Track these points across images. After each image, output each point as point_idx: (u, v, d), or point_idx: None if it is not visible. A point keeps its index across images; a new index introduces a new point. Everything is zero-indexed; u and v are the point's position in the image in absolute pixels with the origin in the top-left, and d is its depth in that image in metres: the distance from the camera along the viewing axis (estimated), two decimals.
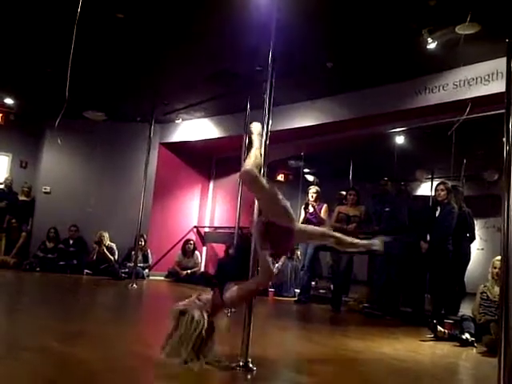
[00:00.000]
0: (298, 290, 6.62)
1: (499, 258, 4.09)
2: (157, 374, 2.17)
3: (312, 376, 2.32)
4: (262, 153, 2.66)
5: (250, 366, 2.29)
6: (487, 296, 4.14)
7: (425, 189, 11.04)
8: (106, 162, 8.63)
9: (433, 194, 5.68)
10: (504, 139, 1.26)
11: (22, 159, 9.04)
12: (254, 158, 2.60)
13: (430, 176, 10.42)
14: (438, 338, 3.97)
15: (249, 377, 2.22)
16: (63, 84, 5.17)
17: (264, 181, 2.46)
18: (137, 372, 2.17)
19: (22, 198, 8.54)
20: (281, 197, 2.47)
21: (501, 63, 4.77)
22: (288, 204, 2.50)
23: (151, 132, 6.84)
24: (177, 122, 8.35)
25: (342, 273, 5.87)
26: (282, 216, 2.43)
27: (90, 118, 8.14)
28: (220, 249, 9.06)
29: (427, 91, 5.49)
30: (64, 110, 5.13)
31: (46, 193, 8.56)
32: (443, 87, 5.36)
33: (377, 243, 2.77)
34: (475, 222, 5.93)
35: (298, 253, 7.15)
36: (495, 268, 4.13)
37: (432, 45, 4.71)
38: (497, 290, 4.06)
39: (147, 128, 6.92)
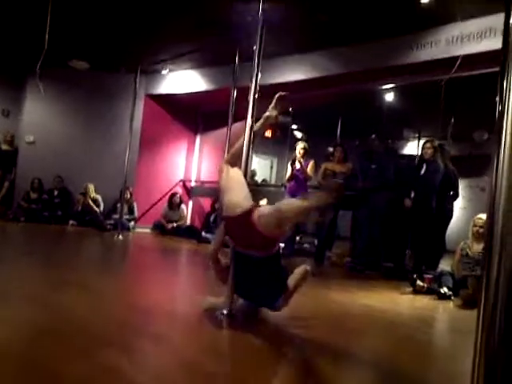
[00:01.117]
0: (282, 245, 6.72)
1: (480, 216, 4.21)
2: (144, 320, 2.21)
3: (294, 325, 2.39)
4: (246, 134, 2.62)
5: (233, 313, 2.37)
6: (467, 252, 4.26)
7: (412, 147, 11.10)
8: (91, 113, 8.46)
9: (419, 152, 5.71)
10: (497, 98, 1.24)
11: (3, 108, 8.77)
12: (233, 149, 2.61)
13: (417, 135, 10.45)
14: (417, 291, 4.10)
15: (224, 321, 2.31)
16: (46, 31, 4.98)
17: (225, 173, 2.44)
18: (124, 319, 2.20)
19: (4, 147, 8.37)
20: (232, 185, 2.39)
21: (494, 20, 4.70)
22: (241, 195, 2.35)
23: (137, 83, 6.67)
24: (163, 73, 8.14)
25: (326, 228, 5.95)
26: (231, 207, 2.32)
27: (74, 67, 7.88)
28: (206, 203, 9.09)
29: (419, 47, 5.41)
30: (43, 57, 4.97)
31: (29, 143, 8.39)
32: (435, 43, 5.28)
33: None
34: (459, 181, 6.02)
35: None
36: (475, 226, 4.24)
37: None
38: (476, 247, 4.18)
39: (132, 79, 6.73)
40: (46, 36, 4.88)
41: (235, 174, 2.45)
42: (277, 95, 2.75)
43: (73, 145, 8.36)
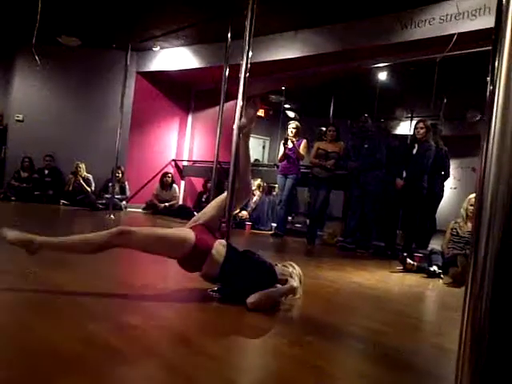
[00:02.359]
0: (274, 224, 6.76)
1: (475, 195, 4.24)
2: (136, 297, 2.23)
3: (284, 303, 2.42)
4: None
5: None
6: (457, 232, 4.30)
7: (404, 127, 11.11)
8: (82, 91, 8.35)
9: (412, 132, 5.72)
10: (488, 78, 1.24)
11: None
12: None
13: (409, 115, 10.45)
14: (407, 269, 4.16)
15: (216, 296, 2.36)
16: (35, 6, 4.86)
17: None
18: (115, 296, 2.22)
19: None
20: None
21: None
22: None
23: (127, 60, 6.57)
24: (154, 49, 8.02)
25: (317, 208, 5.98)
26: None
27: (64, 43, 7.73)
28: (198, 182, 9.08)
29: (413, 25, 5.36)
30: (36, 32, 4.87)
31: (18, 121, 8.28)
32: (429, 21, 5.23)
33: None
34: (451, 161, 6.05)
35: (276, 188, 7.23)
36: (471, 205, 4.20)
37: None
38: (467, 226, 4.22)
39: (123, 55, 6.63)
40: (39, 8, 4.77)
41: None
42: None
43: (63, 123, 8.27)
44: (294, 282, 2.38)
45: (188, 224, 2.48)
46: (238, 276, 2.27)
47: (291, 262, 2.57)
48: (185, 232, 2.29)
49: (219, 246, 2.32)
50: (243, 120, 2.62)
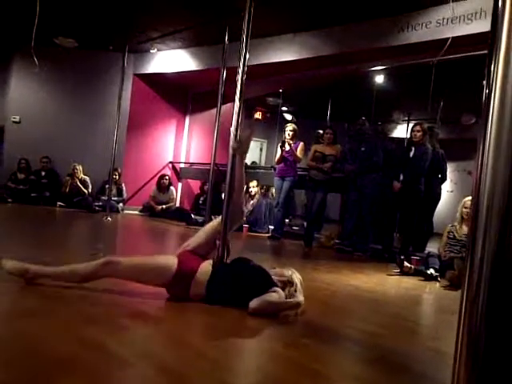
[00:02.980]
0: (271, 227, 6.75)
1: (470, 198, 4.24)
2: (132, 300, 2.22)
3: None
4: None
5: None
6: (454, 235, 4.32)
7: (401, 130, 11.14)
8: (78, 92, 8.34)
9: (408, 135, 5.73)
10: (484, 82, 1.24)
11: None
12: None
13: (406, 118, 10.48)
14: (405, 272, 4.16)
15: None
16: (32, 8, 4.85)
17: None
18: (111, 297, 2.21)
19: None
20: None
21: (485, 1, 4.68)
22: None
23: (125, 62, 6.56)
24: (152, 51, 8.02)
25: (315, 210, 5.98)
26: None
27: (61, 44, 7.72)
28: (195, 185, 9.07)
29: (410, 28, 5.38)
30: (30, 34, 4.86)
31: (15, 122, 8.26)
32: (426, 25, 5.25)
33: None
34: (448, 164, 6.07)
35: (273, 190, 7.23)
36: (466, 208, 4.25)
37: None
38: (464, 229, 4.23)
39: (120, 57, 6.63)
40: (37, 9, 4.76)
41: None
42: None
43: (60, 125, 8.25)
44: (301, 297, 2.32)
45: (179, 249, 2.48)
46: (225, 287, 2.25)
47: (291, 268, 2.51)
48: (166, 259, 2.32)
49: (206, 266, 2.31)
50: (238, 140, 2.54)
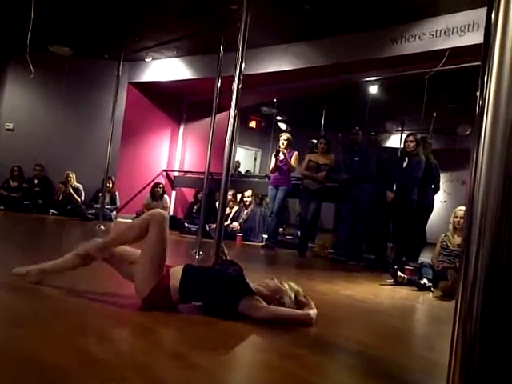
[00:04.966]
0: (265, 236, 6.74)
1: (461, 208, 4.27)
2: (125, 310, 2.20)
3: None
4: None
5: None
6: (447, 245, 4.33)
7: (394, 140, 11.20)
8: (73, 100, 8.32)
9: (402, 146, 5.76)
10: (478, 93, 1.26)
11: None
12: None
13: (400, 128, 10.55)
14: (398, 282, 4.16)
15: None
16: (27, 16, 4.86)
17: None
18: (104, 307, 2.19)
19: None
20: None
21: (478, 14, 4.75)
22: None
23: (120, 70, 6.57)
24: (147, 60, 8.03)
25: (309, 219, 5.99)
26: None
27: (56, 52, 7.72)
28: (189, 193, 9.06)
29: (403, 40, 5.44)
30: (25, 41, 4.86)
31: (8, 129, 8.23)
32: (419, 37, 5.31)
33: None
34: (441, 175, 6.10)
35: (267, 199, 7.23)
36: (456, 217, 4.30)
37: None
38: (456, 239, 4.25)
39: (115, 65, 6.64)
40: (31, 17, 4.77)
41: None
42: None
43: (54, 133, 8.23)
44: (312, 311, 2.28)
45: None
46: (198, 289, 2.23)
47: (290, 282, 2.43)
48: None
49: (175, 271, 2.28)
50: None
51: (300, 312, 2.27)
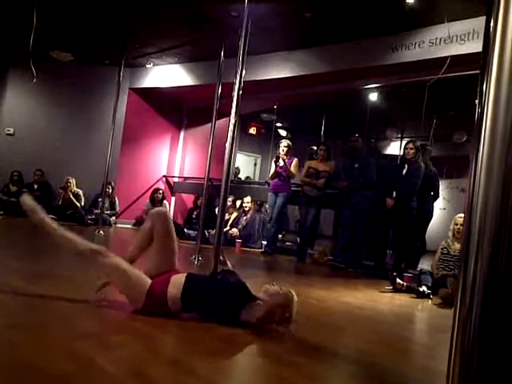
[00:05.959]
0: (265, 242, 6.74)
1: (461, 215, 4.28)
2: (123, 314, 2.20)
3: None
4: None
5: None
6: (447, 251, 4.33)
7: (394, 147, 11.21)
8: (73, 106, 8.35)
9: (401, 153, 5.77)
10: (476, 101, 1.26)
11: None
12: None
13: (399, 135, 10.56)
14: (397, 289, 4.15)
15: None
16: (29, 21, 4.88)
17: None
18: (101, 312, 2.18)
19: None
20: None
21: (477, 22, 4.77)
22: None
23: (120, 76, 6.59)
24: (147, 66, 8.06)
25: (308, 226, 5.98)
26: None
27: (57, 58, 7.75)
28: (189, 199, 9.05)
29: (403, 48, 5.46)
30: (26, 47, 4.88)
31: (9, 134, 8.24)
32: (419, 44, 5.34)
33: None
34: (440, 182, 6.10)
35: (267, 206, 7.23)
36: (457, 225, 4.31)
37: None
38: (456, 246, 4.25)
39: (116, 71, 6.65)
40: (34, 23, 4.80)
41: None
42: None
43: (54, 138, 8.24)
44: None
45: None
46: (200, 299, 2.22)
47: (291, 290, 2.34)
48: (145, 277, 2.26)
49: (177, 279, 2.26)
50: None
51: (280, 296, 2.22)
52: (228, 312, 2.18)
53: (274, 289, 2.28)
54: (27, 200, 2.43)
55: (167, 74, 8.02)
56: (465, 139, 9.20)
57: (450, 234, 4.38)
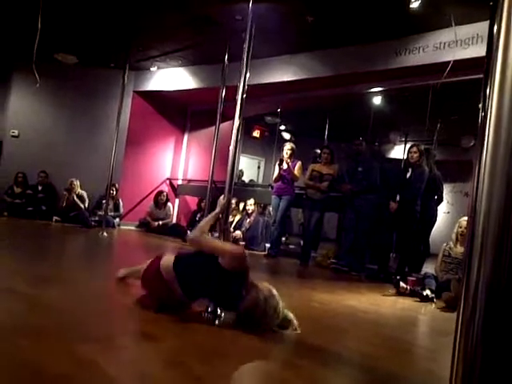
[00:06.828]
0: (268, 245, 6.74)
1: (465, 218, 4.28)
2: (127, 317, 2.20)
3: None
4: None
5: (218, 312, 2.36)
6: (449, 253, 4.33)
7: (398, 151, 11.20)
8: (78, 108, 8.38)
9: (405, 156, 5.76)
10: (480, 105, 1.27)
11: None
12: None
13: (403, 139, 10.56)
14: (400, 293, 4.15)
15: (217, 322, 2.29)
16: (34, 24, 4.91)
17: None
18: (105, 315, 2.19)
19: None
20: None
21: (481, 27, 4.78)
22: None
23: (125, 79, 6.62)
24: (152, 69, 8.09)
25: (312, 229, 5.98)
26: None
27: (61, 60, 7.80)
28: (192, 201, 9.07)
29: (407, 52, 5.46)
30: (31, 49, 4.91)
31: (13, 136, 8.29)
32: (423, 49, 5.34)
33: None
34: (444, 186, 6.09)
35: (270, 208, 7.24)
36: (461, 227, 4.31)
37: (415, 4, 4.65)
38: (459, 249, 4.25)
39: (120, 74, 6.68)
40: (39, 25, 4.83)
41: None
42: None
43: (59, 140, 8.28)
44: (290, 314, 2.28)
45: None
46: (192, 269, 2.34)
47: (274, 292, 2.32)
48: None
49: (166, 258, 2.43)
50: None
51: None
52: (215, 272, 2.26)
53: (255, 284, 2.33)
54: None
55: (171, 77, 8.05)
56: (472, 144, 9.18)
57: (454, 236, 4.39)
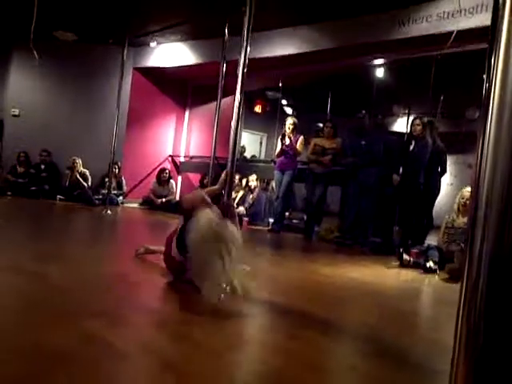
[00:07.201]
0: (271, 220, 6.77)
1: (467, 189, 4.27)
2: (132, 292, 2.23)
3: (284, 297, 2.44)
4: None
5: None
6: (452, 225, 4.34)
7: (401, 124, 11.12)
8: (78, 86, 8.33)
9: (408, 129, 5.72)
10: (484, 76, 1.25)
11: None
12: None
13: (406, 111, 10.46)
14: (404, 265, 4.18)
15: (222, 295, 2.30)
16: (31, 2, 4.83)
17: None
18: (111, 290, 2.22)
19: None
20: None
21: None
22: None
23: (124, 55, 6.54)
24: (151, 45, 7.99)
25: (315, 203, 6.00)
26: None
27: (60, 38, 7.70)
28: (195, 178, 9.08)
29: (411, 22, 5.37)
30: (30, 26, 4.85)
31: (14, 115, 8.26)
32: (427, 18, 5.24)
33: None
34: (447, 157, 6.06)
35: (273, 184, 7.24)
36: (463, 198, 4.31)
37: None
38: (461, 219, 4.26)
39: (120, 51, 6.60)
40: (36, 2, 4.75)
41: None
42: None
43: (60, 118, 8.25)
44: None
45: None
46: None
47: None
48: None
49: (174, 241, 2.53)
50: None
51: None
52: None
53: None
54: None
55: (171, 52, 7.95)
56: (477, 116, 9.10)
57: (455, 207, 4.39)
